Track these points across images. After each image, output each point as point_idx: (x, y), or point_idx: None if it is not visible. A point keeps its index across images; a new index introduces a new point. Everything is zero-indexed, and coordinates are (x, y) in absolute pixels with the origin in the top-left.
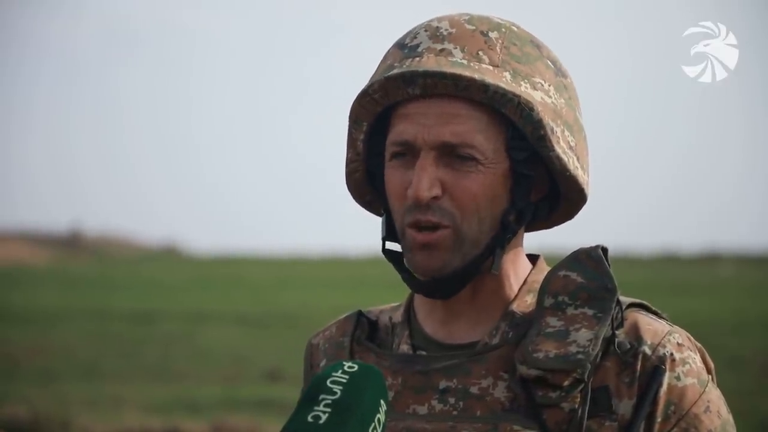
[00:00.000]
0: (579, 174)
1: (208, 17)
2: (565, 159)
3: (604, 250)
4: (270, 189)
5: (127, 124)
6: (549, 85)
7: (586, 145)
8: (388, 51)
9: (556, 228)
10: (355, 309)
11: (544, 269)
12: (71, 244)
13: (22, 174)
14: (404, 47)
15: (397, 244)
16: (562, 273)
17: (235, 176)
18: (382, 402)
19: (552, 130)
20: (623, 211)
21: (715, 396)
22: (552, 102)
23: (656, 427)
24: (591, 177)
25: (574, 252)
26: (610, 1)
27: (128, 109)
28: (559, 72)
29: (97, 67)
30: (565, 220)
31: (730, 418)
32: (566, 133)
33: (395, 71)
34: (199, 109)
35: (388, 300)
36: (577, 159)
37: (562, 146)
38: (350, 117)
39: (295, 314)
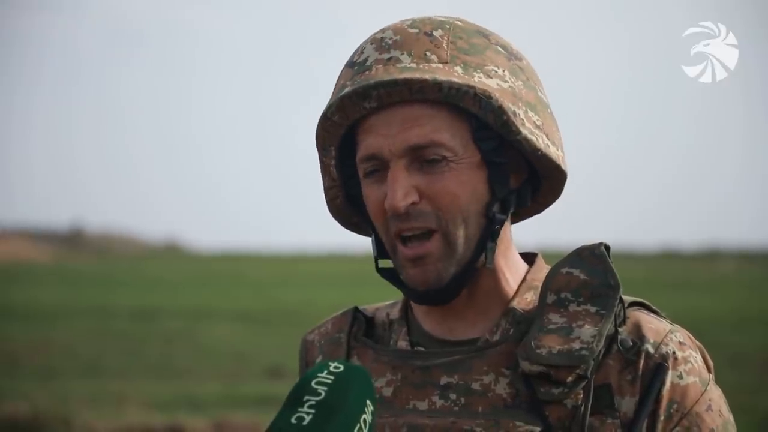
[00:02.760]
0: (551, 151)
1: (210, 16)
2: (534, 139)
3: (607, 247)
4: (271, 186)
5: (129, 122)
6: (503, 71)
7: (554, 121)
8: (341, 72)
9: (556, 223)
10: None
11: (543, 267)
12: (73, 241)
13: (23, 171)
14: (354, 65)
15: (390, 261)
16: (564, 270)
17: (236, 174)
18: (368, 402)
19: (514, 113)
20: (624, 208)
21: (716, 395)
22: (509, 86)
23: (659, 425)
24: (593, 174)
25: (577, 249)
26: (610, 1)
27: (130, 107)
28: (512, 56)
29: (99, 65)
30: (553, 199)
31: (731, 416)
32: (530, 113)
33: (348, 89)
34: (201, 107)
35: (390, 297)
36: (546, 137)
37: (528, 127)
38: (317, 144)
39: (296, 311)
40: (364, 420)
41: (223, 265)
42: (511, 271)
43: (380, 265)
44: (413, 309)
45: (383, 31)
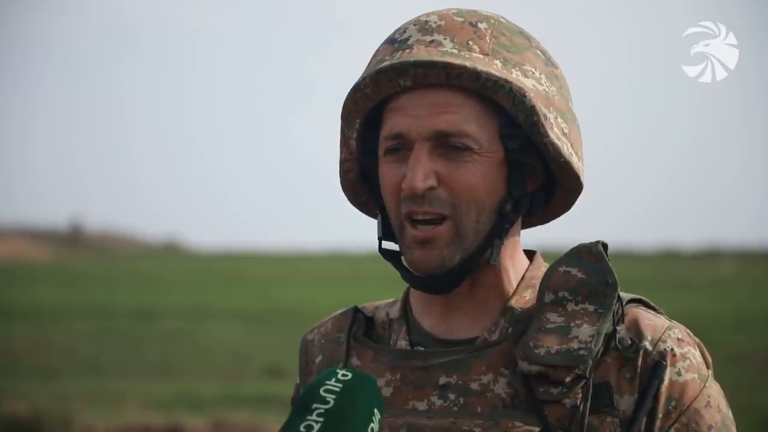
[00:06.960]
0: (574, 161)
1: (209, 17)
2: (559, 145)
3: (605, 245)
4: (271, 186)
5: (128, 122)
6: (540, 74)
7: (579, 134)
8: (378, 48)
9: (555, 224)
10: (352, 305)
11: (541, 265)
12: (72, 240)
13: (23, 170)
14: (394, 42)
15: (393, 243)
16: (562, 269)
17: (236, 173)
18: (375, 411)
19: (545, 116)
20: (624, 207)
21: (715, 391)
22: (544, 89)
23: (657, 422)
24: (593, 173)
25: (575, 248)
26: (610, 1)
27: (130, 106)
28: (550, 62)
29: (99, 65)
30: (562, 212)
31: (729, 413)
32: (559, 119)
33: (386, 63)
34: (200, 107)
35: (390, 296)
36: (571, 146)
37: (556, 132)
38: (342, 115)
39: (296, 310)
40: (372, 429)
41: (223, 265)
42: (515, 268)
43: (383, 246)
44: (413, 308)
45: (427, 15)
